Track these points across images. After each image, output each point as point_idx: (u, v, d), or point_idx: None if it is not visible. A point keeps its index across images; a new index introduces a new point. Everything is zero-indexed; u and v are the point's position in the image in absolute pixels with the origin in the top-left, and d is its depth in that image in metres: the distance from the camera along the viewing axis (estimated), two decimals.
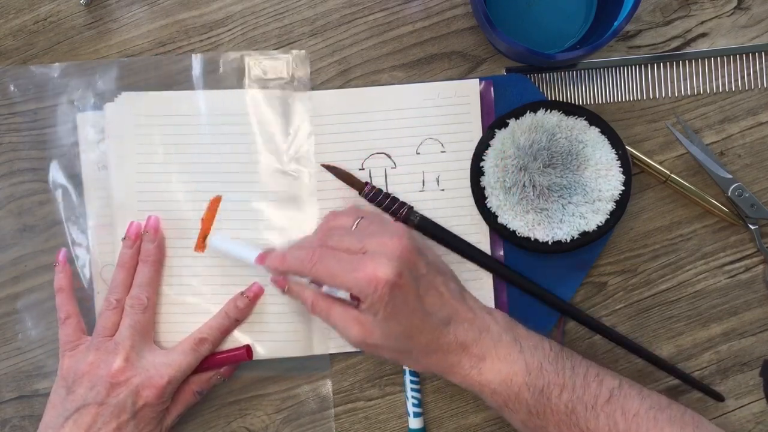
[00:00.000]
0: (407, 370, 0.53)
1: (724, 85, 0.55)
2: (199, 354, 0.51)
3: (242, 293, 0.53)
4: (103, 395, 0.47)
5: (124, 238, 0.53)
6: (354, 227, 0.48)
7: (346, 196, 0.54)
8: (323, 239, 0.48)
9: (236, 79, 0.55)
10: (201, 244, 0.54)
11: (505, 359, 0.45)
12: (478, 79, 0.54)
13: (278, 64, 0.55)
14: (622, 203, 0.51)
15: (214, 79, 0.55)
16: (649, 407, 0.44)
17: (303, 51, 0.55)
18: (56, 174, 0.55)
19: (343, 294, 0.47)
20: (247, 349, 0.52)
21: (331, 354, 0.54)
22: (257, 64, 0.55)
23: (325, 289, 0.48)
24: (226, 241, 0.53)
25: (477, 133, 0.54)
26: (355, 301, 0.46)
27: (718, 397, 0.53)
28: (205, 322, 0.52)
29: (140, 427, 0.48)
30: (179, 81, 0.55)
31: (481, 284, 0.54)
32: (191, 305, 0.53)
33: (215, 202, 0.54)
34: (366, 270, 0.43)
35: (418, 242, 0.47)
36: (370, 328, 0.45)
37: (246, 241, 0.53)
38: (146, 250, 0.52)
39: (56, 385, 0.50)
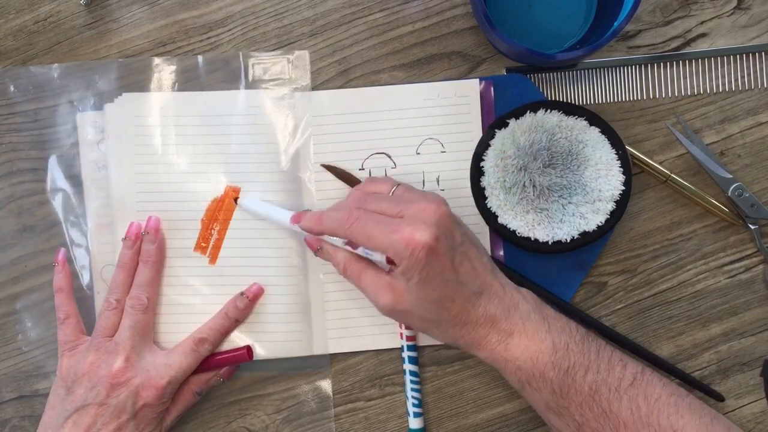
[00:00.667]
0: (407, 370, 0.53)
1: (724, 85, 0.55)
2: (199, 354, 0.51)
3: (242, 293, 0.53)
4: (103, 395, 0.47)
5: (125, 239, 0.53)
6: (391, 193, 0.49)
7: (346, 197, 0.54)
8: (361, 203, 0.48)
9: (236, 79, 0.55)
10: (200, 245, 0.54)
11: (532, 337, 0.45)
12: (478, 79, 0.54)
13: (278, 64, 0.55)
14: (622, 203, 0.51)
15: (214, 80, 0.55)
16: (671, 393, 0.44)
17: (303, 51, 0.55)
18: (56, 174, 0.55)
19: (379, 257, 0.46)
20: (248, 349, 0.52)
21: (331, 354, 0.54)
22: (257, 64, 0.55)
23: (359, 250, 0.48)
24: (257, 202, 0.53)
25: (477, 133, 0.54)
26: (390, 265, 0.46)
27: (718, 397, 0.53)
28: (204, 323, 0.52)
29: (140, 428, 0.48)
30: (179, 81, 0.55)
31: None
32: (191, 306, 0.53)
33: (215, 203, 0.54)
34: (404, 233, 0.43)
35: (454, 213, 0.47)
36: (402, 293, 0.45)
37: (276, 204, 0.53)
38: (146, 250, 0.52)
39: (55, 385, 0.50)
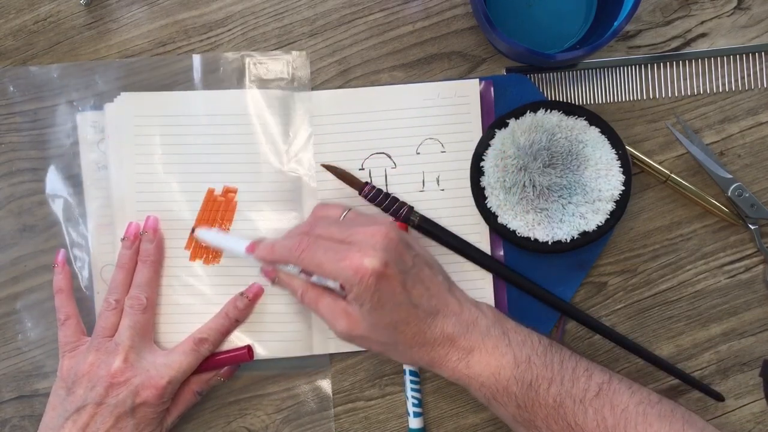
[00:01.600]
0: (407, 369, 0.53)
1: (724, 85, 0.55)
2: (199, 354, 0.51)
3: (242, 293, 0.53)
4: (102, 395, 0.47)
5: (123, 239, 0.53)
6: (342, 218, 0.49)
7: (346, 196, 0.54)
8: (310, 228, 0.48)
9: (236, 79, 0.55)
10: (196, 254, 0.54)
11: (493, 352, 0.45)
12: (478, 79, 0.54)
13: (278, 64, 0.55)
14: (622, 203, 0.51)
15: (214, 80, 0.55)
16: (639, 402, 0.43)
17: (303, 51, 0.55)
18: (56, 174, 0.55)
19: (332, 284, 0.47)
20: (249, 349, 0.52)
21: (331, 354, 0.54)
22: (257, 64, 0.55)
23: (314, 279, 0.48)
24: (213, 233, 0.53)
25: (477, 133, 0.54)
26: (343, 291, 0.46)
27: (718, 397, 0.53)
28: (205, 323, 0.52)
29: (140, 428, 0.48)
30: (179, 81, 0.55)
31: (481, 284, 0.54)
32: (190, 305, 0.53)
33: (212, 204, 0.54)
34: (352, 259, 0.43)
35: (405, 234, 0.47)
36: (356, 319, 0.45)
37: (235, 233, 0.53)
38: (145, 250, 0.52)
39: (56, 386, 0.50)
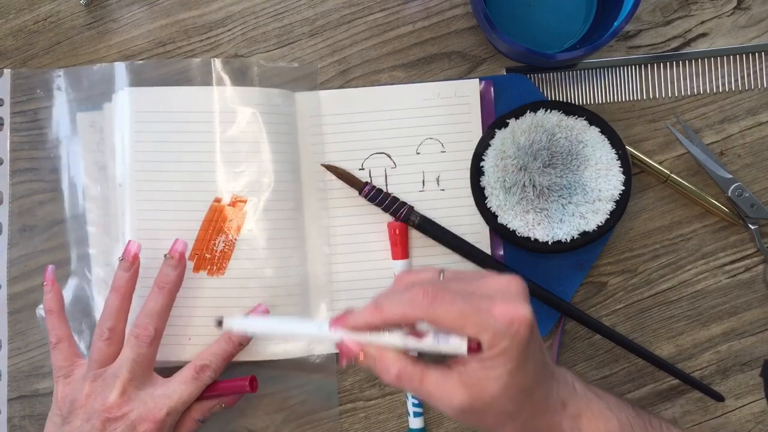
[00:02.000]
0: None
1: (724, 85, 0.55)
2: (200, 383, 0.48)
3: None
4: (98, 429, 0.45)
5: (121, 259, 0.49)
6: (441, 277, 0.41)
7: (346, 196, 0.54)
8: (425, 285, 0.39)
9: (236, 79, 0.55)
10: (204, 256, 0.53)
11: (599, 417, 0.40)
12: (478, 79, 0.54)
13: (278, 64, 0.55)
14: (622, 203, 0.51)
15: (214, 80, 0.55)
16: None
17: (302, 51, 0.55)
18: (56, 174, 0.55)
19: (456, 343, 0.38)
20: (252, 379, 0.50)
21: (331, 354, 0.54)
22: (257, 64, 0.55)
23: (427, 342, 0.38)
24: (259, 319, 0.46)
25: (477, 133, 0.54)
26: (471, 353, 0.37)
27: (718, 397, 0.53)
28: (207, 347, 0.50)
29: None
30: (179, 82, 0.55)
31: None
32: (193, 318, 0.52)
33: (216, 213, 0.53)
34: (502, 308, 0.36)
35: None
36: (482, 386, 0.37)
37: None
38: (166, 275, 0.49)
39: (52, 412, 0.48)
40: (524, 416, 0.39)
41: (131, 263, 0.49)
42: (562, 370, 0.42)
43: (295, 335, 0.44)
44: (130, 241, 0.50)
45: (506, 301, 0.37)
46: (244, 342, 0.50)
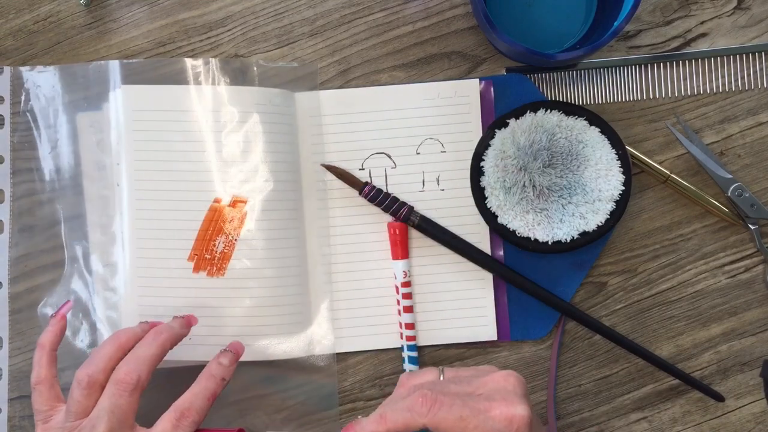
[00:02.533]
0: (407, 370, 0.53)
1: (724, 85, 0.55)
2: (182, 431, 0.43)
3: (224, 349, 0.47)
4: None
5: (142, 322, 0.48)
6: (441, 377, 0.43)
7: (346, 196, 0.54)
8: (424, 390, 0.40)
9: (236, 79, 0.55)
10: (204, 257, 0.53)
11: None
12: (478, 79, 0.54)
13: (278, 64, 0.55)
14: (622, 203, 0.51)
15: (214, 79, 0.55)
16: None
17: (303, 51, 0.55)
18: (56, 174, 0.55)
19: None
20: None
21: (331, 354, 0.54)
22: (257, 64, 0.55)
23: None
24: None
25: (477, 133, 0.54)
26: None
27: (718, 398, 0.53)
28: (187, 389, 0.45)
29: None
30: (178, 81, 0.55)
31: (481, 284, 0.54)
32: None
33: (216, 213, 0.53)
34: (500, 409, 0.38)
35: None
36: None
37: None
38: (170, 328, 0.47)
39: None
40: None
41: (148, 326, 0.47)
42: None
43: None
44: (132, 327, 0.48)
45: (504, 400, 0.39)
46: (227, 376, 0.46)
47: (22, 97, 0.55)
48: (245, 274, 0.53)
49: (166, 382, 0.54)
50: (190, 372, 0.53)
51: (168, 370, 0.53)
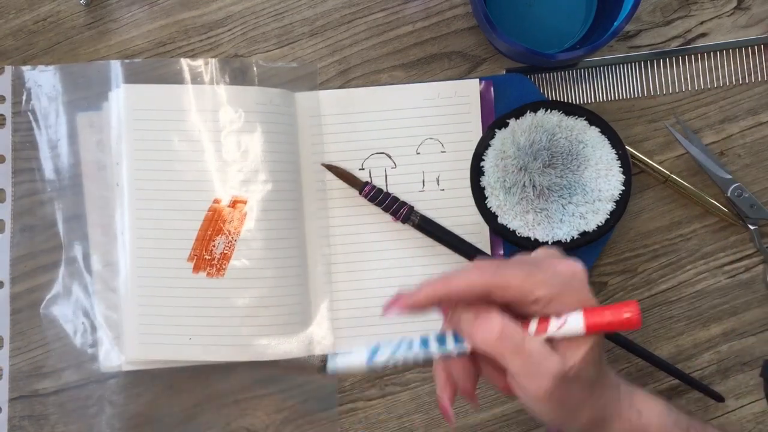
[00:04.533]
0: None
1: (724, 77, 0.54)
2: None
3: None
4: None
5: None
6: None
7: (346, 196, 0.54)
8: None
9: (236, 78, 0.55)
10: (199, 264, 0.53)
11: (647, 397, 0.40)
12: (478, 79, 0.54)
13: (278, 64, 0.55)
14: (622, 203, 0.51)
15: (214, 79, 0.55)
16: None
17: (303, 51, 0.55)
18: (56, 174, 0.55)
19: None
20: None
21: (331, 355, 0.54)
22: (257, 64, 0.55)
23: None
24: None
25: (477, 133, 0.54)
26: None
27: (718, 398, 0.53)
28: None
29: None
30: (178, 81, 0.54)
31: None
32: (192, 318, 0.52)
33: (217, 213, 0.53)
34: (566, 264, 0.37)
35: None
36: (574, 347, 0.36)
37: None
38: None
39: None
40: (598, 390, 0.38)
41: None
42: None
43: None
44: None
45: (564, 259, 0.37)
46: None
47: (23, 97, 0.55)
48: (245, 274, 0.53)
49: (167, 382, 0.54)
50: (190, 372, 0.53)
51: (168, 370, 0.53)
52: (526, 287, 0.36)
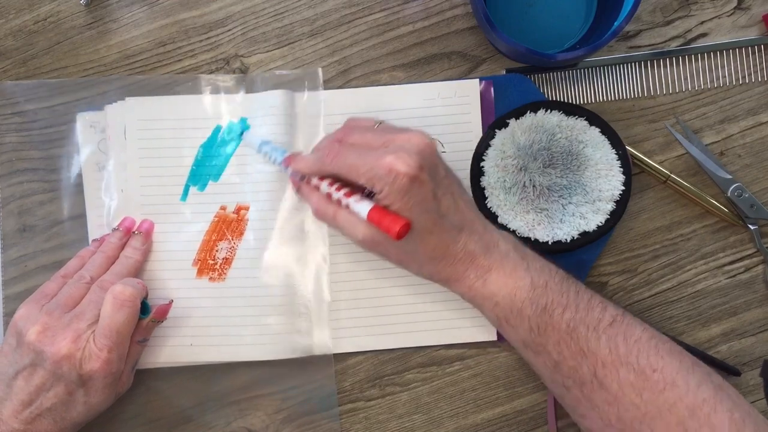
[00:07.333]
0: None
1: (724, 77, 0.55)
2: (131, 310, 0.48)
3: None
4: (49, 365, 0.46)
5: (115, 229, 0.53)
6: (375, 127, 0.48)
7: None
8: (343, 136, 0.47)
9: (236, 79, 0.55)
10: (203, 269, 0.53)
11: (511, 274, 0.45)
12: (478, 79, 0.54)
13: (278, 64, 0.55)
14: (622, 203, 0.52)
15: (214, 88, 0.55)
16: (651, 337, 0.44)
17: (303, 51, 0.55)
18: (56, 174, 0.55)
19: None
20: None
21: (331, 354, 0.54)
22: (257, 64, 0.55)
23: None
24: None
25: (477, 133, 0.54)
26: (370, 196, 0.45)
27: (734, 372, 0.53)
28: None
29: (90, 393, 0.47)
30: (178, 93, 0.55)
31: None
32: (193, 319, 0.53)
33: (222, 218, 0.54)
34: (387, 159, 0.42)
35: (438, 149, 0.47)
36: None
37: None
38: (133, 248, 0.52)
39: (8, 332, 0.49)
40: (421, 258, 0.46)
41: (124, 235, 0.53)
42: (497, 235, 0.47)
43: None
44: (126, 217, 0.54)
45: (395, 153, 0.43)
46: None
47: (23, 97, 0.55)
48: (246, 283, 0.53)
49: (167, 383, 0.54)
50: (190, 372, 0.53)
51: (168, 371, 0.53)
52: (352, 176, 0.44)
